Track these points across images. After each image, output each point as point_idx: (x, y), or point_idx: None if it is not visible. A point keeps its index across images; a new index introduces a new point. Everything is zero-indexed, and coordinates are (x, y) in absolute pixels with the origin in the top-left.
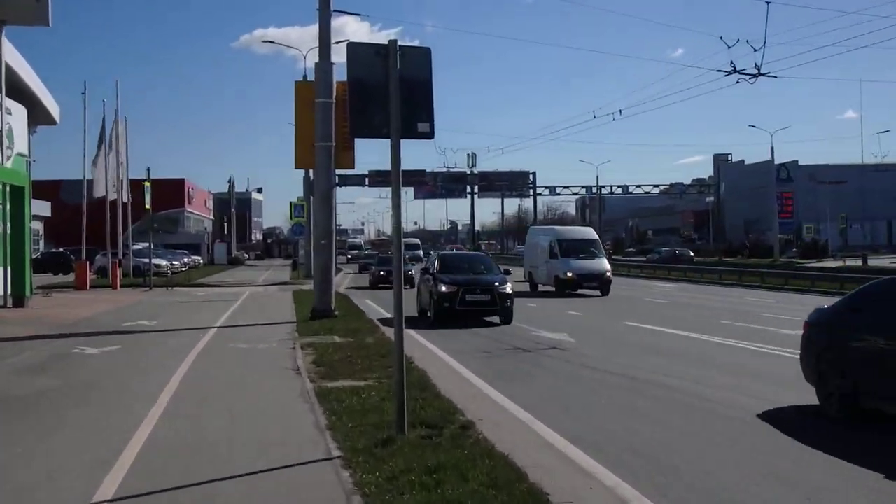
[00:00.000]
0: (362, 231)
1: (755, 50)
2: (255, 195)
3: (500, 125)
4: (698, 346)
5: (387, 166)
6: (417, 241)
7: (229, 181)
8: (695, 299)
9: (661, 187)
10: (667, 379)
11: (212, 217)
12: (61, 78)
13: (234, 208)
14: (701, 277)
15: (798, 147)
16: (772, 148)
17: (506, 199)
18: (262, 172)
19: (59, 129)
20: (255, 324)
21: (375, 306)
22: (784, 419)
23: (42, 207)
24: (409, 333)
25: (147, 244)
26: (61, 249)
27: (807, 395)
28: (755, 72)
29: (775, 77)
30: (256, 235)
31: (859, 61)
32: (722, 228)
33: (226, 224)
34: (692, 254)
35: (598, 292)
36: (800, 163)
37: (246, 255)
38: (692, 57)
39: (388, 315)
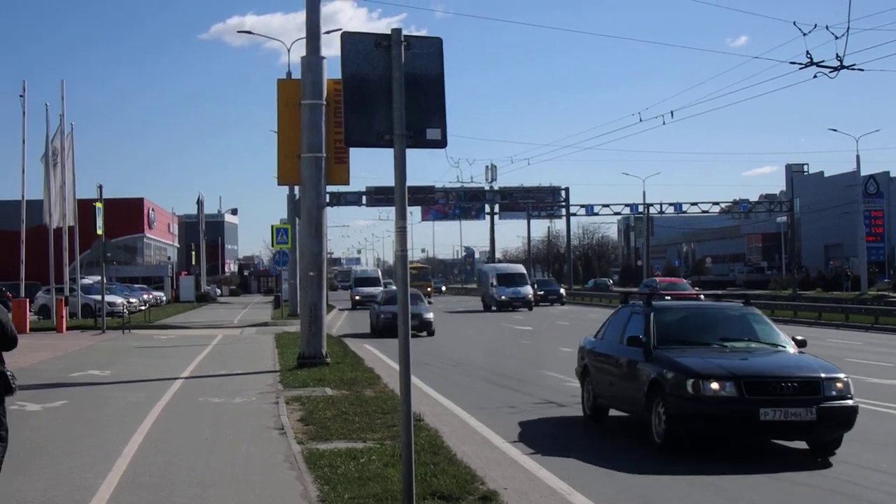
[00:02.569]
0: (358, 260)
1: (836, 37)
2: (228, 218)
3: (525, 131)
4: None
5: (388, 181)
6: (428, 267)
7: (198, 201)
8: None
9: (722, 205)
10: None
11: (177, 244)
12: None
13: (204, 234)
14: (772, 314)
15: (890, 155)
16: (857, 156)
17: (533, 221)
18: (237, 190)
19: None
20: (229, 373)
21: (377, 352)
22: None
23: None
24: (418, 385)
25: (98, 278)
26: None
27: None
28: (836, 64)
29: (861, 70)
30: (231, 266)
31: None
32: (797, 254)
33: (194, 253)
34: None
35: None
36: (892, 174)
37: (218, 291)
38: (759, 46)
39: (392, 362)
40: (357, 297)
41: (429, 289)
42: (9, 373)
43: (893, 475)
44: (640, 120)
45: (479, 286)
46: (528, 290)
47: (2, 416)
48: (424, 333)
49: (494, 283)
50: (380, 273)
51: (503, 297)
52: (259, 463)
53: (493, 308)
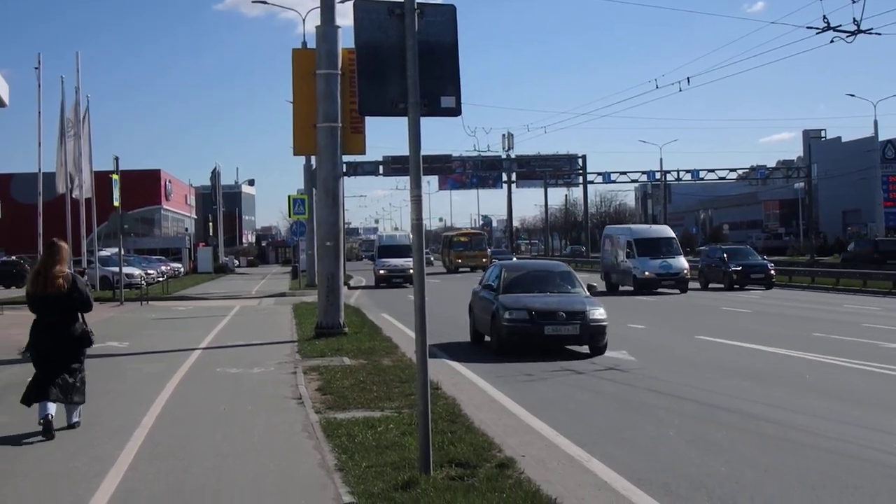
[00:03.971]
0: (376, 230)
1: (853, 1)
2: (245, 189)
3: (541, 99)
4: (786, 365)
5: (404, 151)
6: (483, 233)
7: (213, 172)
8: (781, 308)
9: (740, 172)
10: (748, 405)
11: (194, 216)
12: (11, 50)
13: (221, 205)
14: (789, 281)
15: None
16: (875, 121)
17: (550, 189)
18: (254, 161)
19: (9, 113)
20: (247, 344)
21: (395, 322)
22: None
23: None
24: (435, 354)
25: (116, 250)
26: (13, 258)
27: None
28: (853, 28)
29: (878, 34)
30: (248, 237)
31: None
32: (815, 220)
33: (211, 224)
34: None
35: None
36: None
37: (236, 262)
38: (775, 12)
39: (411, 332)
40: (382, 272)
41: (484, 259)
42: (90, 329)
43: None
44: (657, 87)
45: (603, 256)
46: (682, 263)
47: (82, 362)
48: (586, 348)
49: (631, 251)
50: (410, 237)
51: (647, 274)
52: (277, 433)
53: (625, 287)
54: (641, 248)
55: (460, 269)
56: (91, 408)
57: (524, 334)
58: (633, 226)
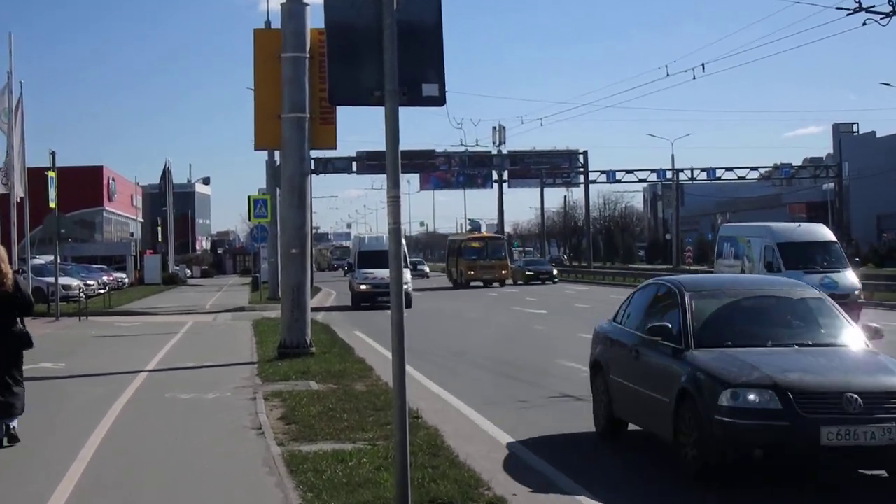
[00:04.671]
0: (348, 235)
1: None
2: (199, 188)
3: (536, 87)
4: None
5: (380, 145)
6: (502, 238)
7: (164, 169)
8: None
9: (762, 170)
10: None
11: (141, 219)
12: None
13: (172, 206)
14: None
15: None
16: None
17: (547, 189)
18: (210, 157)
19: None
20: (201, 366)
21: (369, 341)
22: None
23: None
24: (415, 377)
25: (52, 257)
26: None
27: None
28: (889, 9)
29: None
30: (203, 243)
31: None
32: (846, 225)
33: (160, 229)
34: None
35: None
36: None
37: (188, 271)
38: None
39: (388, 352)
40: (363, 287)
41: (503, 271)
42: (27, 331)
43: None
44: (667, 74)
45: (720, 268)
46: (850, 280)
47: (21, 366)
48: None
49: (773, 262)
50: (404, 243)
51: None
52: (234, 467)
53: None
54: (790, 258)
55: (472, 284)
56: (23, 438)
57: (773, 445)
58: (773, 224)
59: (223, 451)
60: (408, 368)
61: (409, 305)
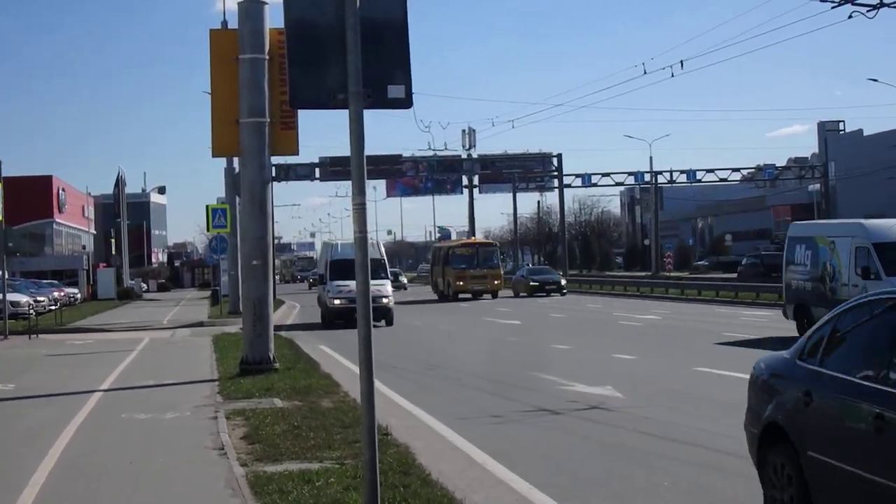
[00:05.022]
0: (312, 245)
1: None
2: (155, 198)
3: (507, 88)
4: None
5: (345, 150)
6: (494, 244)
7: (117, 178)
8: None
9: (744, 172)
10: None
11: (93, 231)
12: None
13: (126, 218)
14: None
15: None
16: None
17: (520, 194)
18: (165, 165)
19: None
20: (159, 384)
21: (335, 355)
22: None
23: None
24: (385, 392)
25: None
26: None
27: None
28: (876, 1)
29: None
30: (159, 256)
31: None
32: None
33: (113, 241)
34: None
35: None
36: None
37: (144, 285)
38: None
39: (355, 367)
40: (337, 302)
41: (496, 281)
42: None
43: None
44: (645, 72)
45: (790, 274)
46: None
47: None
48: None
49: (870, 266)
50: (383, 251)
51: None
52: (196, 490)
53: None
54: (891, 261)
55: (460, 296)
56: None
57: None
58: (865, 221)
59: (184, 474)
60: (376, 383)
61: (389, 322)
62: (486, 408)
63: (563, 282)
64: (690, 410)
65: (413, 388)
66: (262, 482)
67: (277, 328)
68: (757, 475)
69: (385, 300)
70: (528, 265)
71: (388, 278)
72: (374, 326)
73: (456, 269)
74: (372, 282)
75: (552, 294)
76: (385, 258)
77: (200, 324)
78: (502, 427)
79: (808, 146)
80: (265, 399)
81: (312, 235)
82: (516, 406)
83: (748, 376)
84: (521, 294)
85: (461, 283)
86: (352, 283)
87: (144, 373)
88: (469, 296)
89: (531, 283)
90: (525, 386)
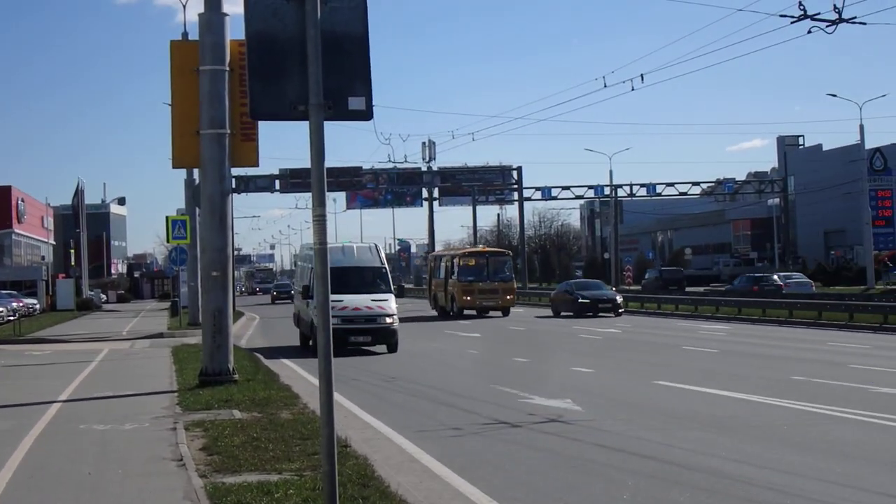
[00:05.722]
0: (272, 257)
1: None
2: (115, 208)
3: (468, 101)
4: (760, 414)
5: (305, 162)
6: (508, 253)
7: (77, 188)
8: (755, 346)
9: (704, 186)
10: (716, 462)
11: (52, 242)
12: None
13: (86, 228)
14: (763, 314)
15: None
16: (861, 125)
17: (479, 207)
18: (125, 176)
19: None
20: (117, 395)
21: (295, 367)
22: None
23: None
24: (344, 405)
25: None
26: None
27: None
28: (834, 17)
29: (863, 24)
30: (118, 267)
31: None
32: (792, 242)
33: (73, 252)
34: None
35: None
36: None
37: (103, 296)
38: None
39: (314, 379)
40: (338, 324)
41: (509, 296)
42: None
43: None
44: (605, 85)
45: None
46: None
47: None
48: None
49: None
50: (383, 257)
51: None
52: (154, 502)
53: None
54: None
55: (465, 313)
56: None
57: None
58: None
59: (142, 485)
60: (336, 396)
61: (392, 347)
62: (445, 420)
63: (620, 299)
64: (649, 423)
65: (373, 401)
66: (221, 494)
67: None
68: (719, 488)
69: (388, 320)
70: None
71: (390, 292)
72: (372, 353)
73: (462, 282)
74: (371, 296)
75: (599, 314)
76: (387, 266)
77: (160, 335)
78: (461, 439)
79: (768, 161)
80: (224, 410)
81: (272, 247)
82: (475, 419)
83: (705, 390)
84: (563, 313)
85: (468, 297)
86: (347, 299)
87: (103, 384)
88: (473, 312)
89: (580, 301)
90: (484, 399)
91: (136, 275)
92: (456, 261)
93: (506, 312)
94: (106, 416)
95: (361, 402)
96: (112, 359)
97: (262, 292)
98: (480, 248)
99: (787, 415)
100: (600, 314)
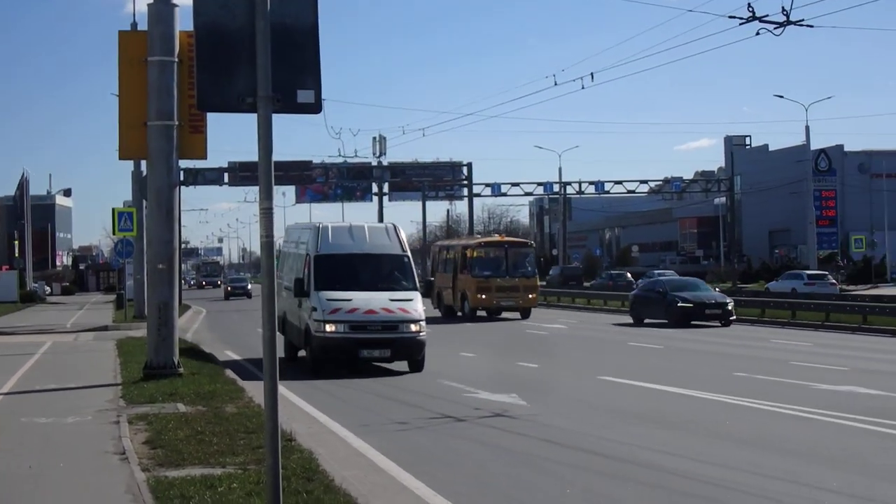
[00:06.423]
0: (220, 251)
1: None
2: (60, 200)
3: (419, 97)
4: (703, 410)
5: (254, 155)
6: (531, 244)
7: (21, 179)
8: (699, 343)
9: (651, 184)
10: (658, 457)
11: None
12: None
13: (30, 220)
14: None
15: (844, 126)
16: (807, 127)
17: (429, 202)
18: (71, 167)
19: None
20: (60, 388)
21: (241, 360)
22: None
23: None
24: (289, 398)
25: None
26: None
27: (855, 478)
28: (782, 19)
29: (810, 27)
30: (64, 259)
31: None
32: (738, 241)
33: (17, 243)
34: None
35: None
36: (846, 148)
37: (48, 289)
38: None
39: (260, 372)
40: (331, 330)
41: (531, 294)
42: None
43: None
44: (555, 83)
45: None
46: None
47: None
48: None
49: None
50: (405, 242)
51: None
52: (96, 495)
53: None
54: None
55: (477, 314)
56: None
57: None
58: None
59: (84, 479)
60: (281, 389)
61: (418, 365)
62: (391, 415)
63: (731, 303)
64: (592, 418)
65: (318, 395)
66: (164, 487)
67: (226, 364)
68: (661, 482)
69: (413, 327)
70: (661, 271)
71: (415, 289)
72: (388, 370)
73: (477, 278)
74: (389, 295)
75: (705, 323)
76: (410, 254)
77: (105, 328)
78: (407, 434)
79: (715, 160)
80: (168, 404)
81: (220, 240)
82: (421, 413)
83: (650, 385)
84: (650, 320)
85: (483, 295)
86: (358, 298)
87: (46, 376)
88: (484, 313)
89: (680, 305)
90: (430, 393)
91: (82, 267)
92: (468, 252)
93: (526, 314)
94: (48, 409)
95: (308, 397)
96: (55, 351)
97: (209, 286)
98: (498, 237)
99: (729, 410)
100: (706, 322)
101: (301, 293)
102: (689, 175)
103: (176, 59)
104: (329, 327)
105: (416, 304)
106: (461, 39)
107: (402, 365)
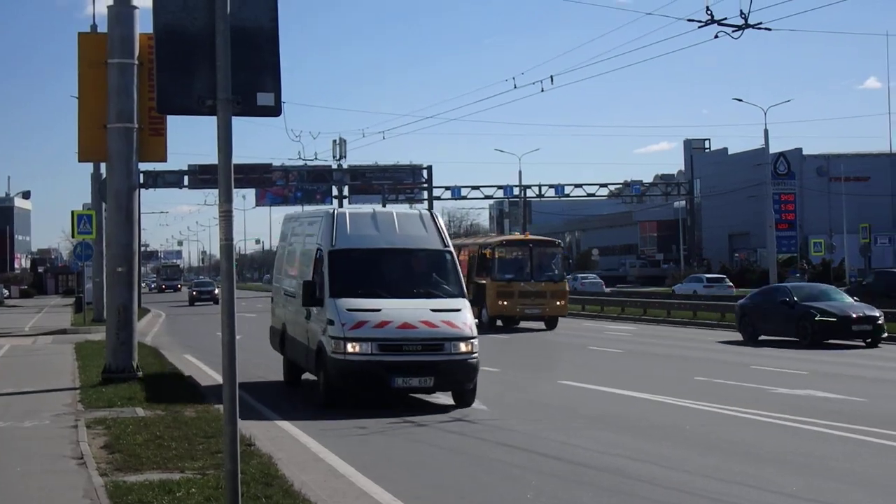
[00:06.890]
0: (179, 254)
1: None
2: (19, 203)
3: (379, 98)
4: (662, 413)
5: (214, 158)
6: (558, 242)
7: None
8: (659, 346)
9: (611, 188)
10: (619, 461)
11: None
12: None
13: None
14: (667, 315)
15: (802, 129)
16: (766, 130)
17: (389, 205)
18: (30, 169)
19: None
20: (17, 392)
21: (201, 365)
22: None
23: None
24: (248, 402)
25: None
26: None
27: (816, 480)
28: (741, 22)
29: (768, 30)
30: (22, 262)
31: (889, 8)
32: (697, 244)
33: None
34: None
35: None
36: (805, 151)
37: (6, 291)
38: (652, 1)
39: (220, 376)
40: (356, 350)
41: (559, 301)
42: None
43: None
44: (515, 86)
45: None
46: None
47: None
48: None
49: None
50: (445, 234)
51: None
52: (53, 500)
53: None
54: None
55: (497, 323)
56: None
57: None
58: None
59: (41, 483)
60: (242, 395)
61: (467, 398)
62: (350, 419)
63: (881, 317)
64: (553, 423)
65: (278, 399)
66: (122, 492)
67: (185, 368)
68: (623, 487)
69: (464, 346)
70: (796, 275)
71: (462, 295)
72: (433, 404)
73: (498, 282)
74: (430, 303)
75: (854, 340)
76: (453, 249)
77: (63, 331)
78: (367, 438)
79: (675, 163)
80: (127, 408)
81: (180, 243)
82: (381, 417)
83: (611, 390)
84: (767, 337)
85: (504, 302)
86: (388, 307)
87: (3, 380)
88: (502, 323)
89: (819, 319)
90: (390, 397)
91: (41, 270)
92: (487, 252)
93: (552, 324)
94: (5, 413)
95: (266, 401)
96: (13, 355)
97: (169, 289)
98: (522, 235)
99: (690, 415)
100: (850, 341)
101: (311, 301)
102: (648, 178)
103: (136, 62)
104: (351, 347)
105: (465, 316)
106: (419, 41)
107: None
